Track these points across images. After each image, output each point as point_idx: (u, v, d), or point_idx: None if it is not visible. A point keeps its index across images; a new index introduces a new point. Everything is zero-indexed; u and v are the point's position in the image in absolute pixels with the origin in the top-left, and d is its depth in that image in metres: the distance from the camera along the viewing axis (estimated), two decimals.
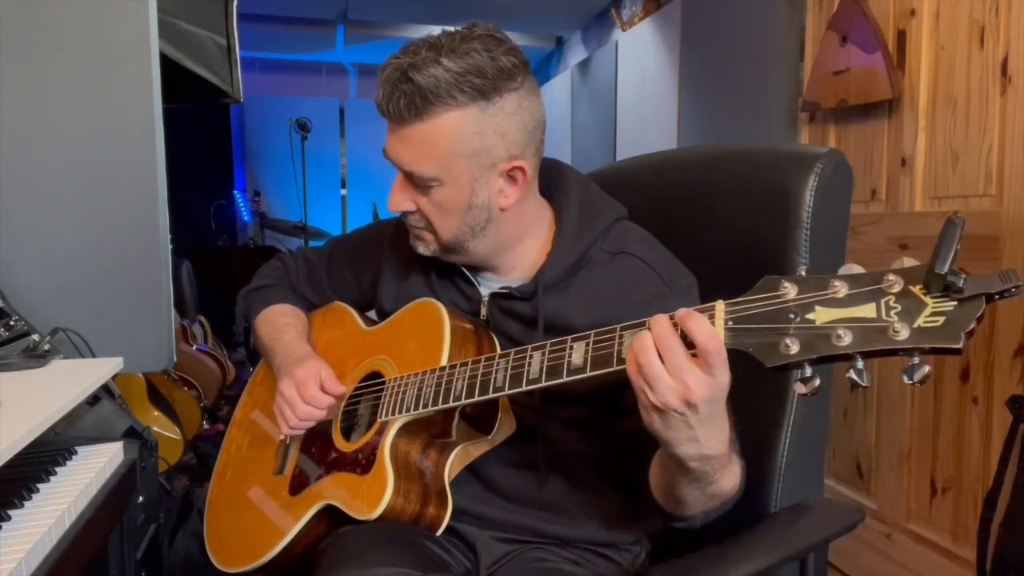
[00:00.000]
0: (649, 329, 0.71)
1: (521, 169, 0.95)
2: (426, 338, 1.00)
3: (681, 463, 0.75)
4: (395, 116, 0.92)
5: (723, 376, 0.68)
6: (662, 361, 0.69)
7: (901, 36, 1.92)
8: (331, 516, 1.00)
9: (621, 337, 0.77)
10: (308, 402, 1.04)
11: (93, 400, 1.12)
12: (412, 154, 0.93)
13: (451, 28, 0.93)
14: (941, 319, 0.59)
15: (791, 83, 2.50)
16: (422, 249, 1.02)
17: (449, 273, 1.07)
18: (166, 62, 1.59)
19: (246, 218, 5.50)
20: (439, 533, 0.97)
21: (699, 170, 1.16)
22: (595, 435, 0.99)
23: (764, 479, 0.98)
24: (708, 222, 1.10)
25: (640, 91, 3.85)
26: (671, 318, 0.71)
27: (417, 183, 0.95)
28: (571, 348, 0.81)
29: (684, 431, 0.71)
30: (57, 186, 1.33)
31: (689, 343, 0.69)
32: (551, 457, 1.00)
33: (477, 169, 0.93)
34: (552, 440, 1.00)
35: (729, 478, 0.80)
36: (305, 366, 1.07)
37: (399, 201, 0.98)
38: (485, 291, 1.04)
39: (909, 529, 1.91)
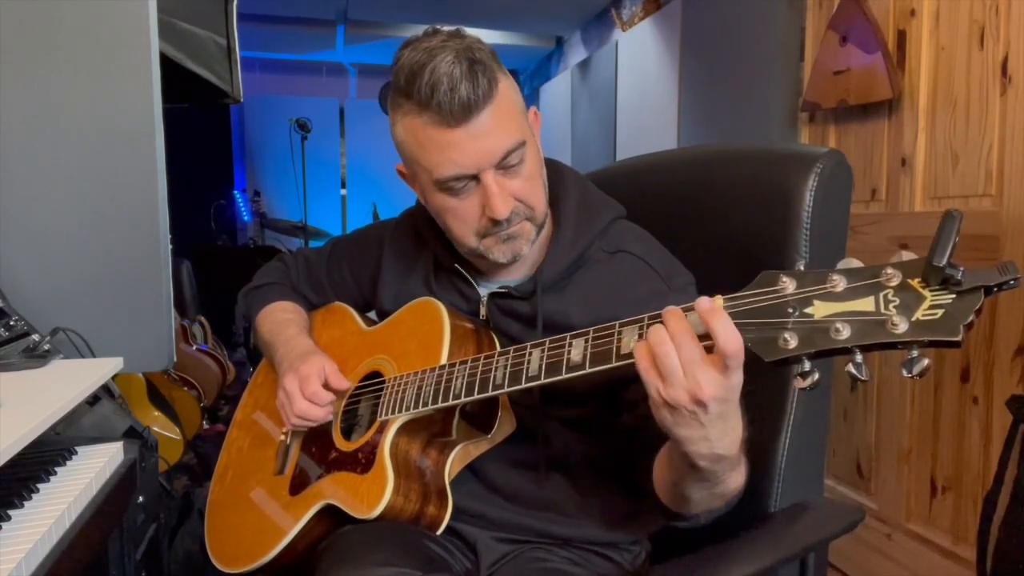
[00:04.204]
0: (662, 322, 0.70)
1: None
2: (426, 337, 1.00)
3: (691, 462, 0.74)
4: (475, 105, 0.87)
5: (736, 377, 0.68)
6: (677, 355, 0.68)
7: (901, 36, 1.92)
8: (331, 516, 1.00)
9: (620, 333, 0.77)
10: (309, 399, 1.04)
11: (93, 400, 1.12)
12: (501, 131, 0.90)
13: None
14: (940, 312, 0.59)
15: (791, 83, 2.50)
16: (524, 248, 0.97)
17: (448, 273, 1.07)
18: (166, 62, 1.59)
19: (246, 218, 5.50)
20: (439, 533, 0.97)
21: (699, 170, 1.16)
22: (595, 435, 0.99)
23: (764, 479, 0.98)
24: (708, 222, 1.10)
25: (640, 91, 3.85)
26: (687, 310, 0.70)
27: (510, 164, 0.92)
28: (570, 345, 0.81)
29: (696, 429, 0.70)
30: (57, 186, 1.33)
31: (702, 337, 0.68)
32: (551, 457, 1.00)
33: (526, 116, 0.96)
34: (552, 440, 1.00)
35: (737, 478, 0.80)
36: (309, 362, 1.06)
37: (507, 202, 0.92)
38: (484, 291, 1.04)
39: (909, 529, 1.91)
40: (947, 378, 1.80)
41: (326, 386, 1.04)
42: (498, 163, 0.91)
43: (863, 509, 1.03)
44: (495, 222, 0.93)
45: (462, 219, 0.95)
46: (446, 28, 0.92)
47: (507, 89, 0.92)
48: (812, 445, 1.02)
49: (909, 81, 1.89)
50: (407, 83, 0.88)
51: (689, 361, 0.67)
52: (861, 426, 2.07)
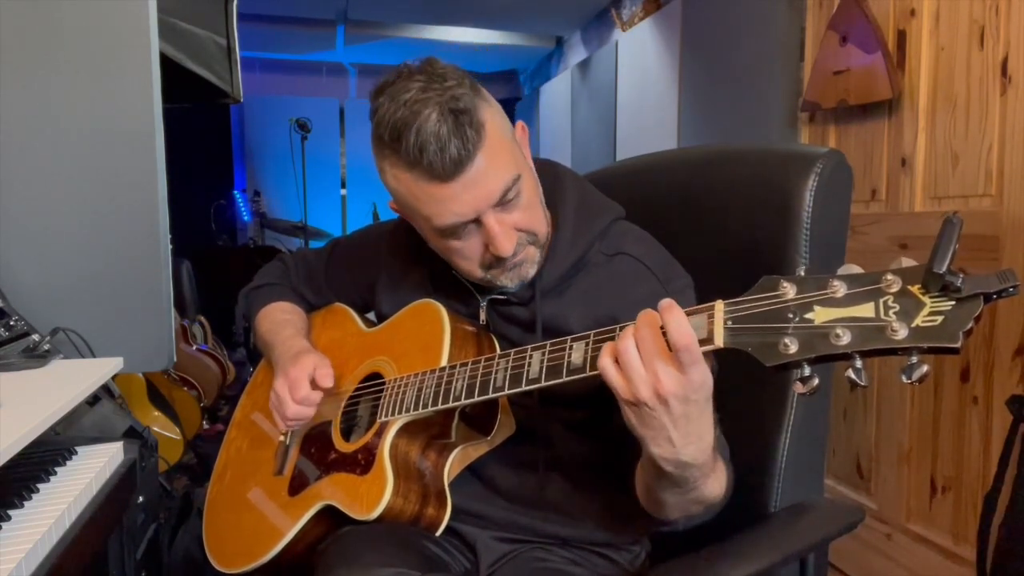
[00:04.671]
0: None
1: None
2: (426, 339, 1.00)
3: (658, 466, 0.74)
4: (467, 158, 0.84)
5: (695, 375, 0.68)
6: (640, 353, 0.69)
7: (901, 36, 1.92)
8: (330, 516, 1.00)
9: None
10: (300, 403, 1.04)
11: (93, 400, 1.12)
12: (497, 171, 0.88)
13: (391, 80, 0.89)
14: (939, 319, 0.59)
15: (791, 83, 2.50)
16: (531, 271, 0.96)
17: (447, 278, 1.07)
18: (166, 62, 1.59)
19: (246, 218, 5.50)
20: (438, 533, 0.97)
21: (699, 170, 1.16)
22: (595, 436, 0.99)
23: (764, 479, 0.98)
24: (708, 222, 1.10)
25: (640, 91, 3.85)
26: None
27: (507, 200, 0.90)
28: (571, 348, 0.81)
29: (659, 429, 0.71)
30: (57, 186, 1.33)
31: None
32: (551, 458, 1.00)
33: (515, 143, 0.94)
34: (552, 441, 1.00)
35: (713, 485, 0.79)
36: (299, 364, 1.06)
37: (511, 238, 0.91)
38: (482, 297, 1.04)
39: (909, 529, 1.91)
40: (947, 378, 1.80)
41: (314, 385, 1.05)
42: (497, 203, 0.89)
43: (863, 509, 1.03)
44: (500, 257, 0.92)
45: (467, 257, 0.94)
46: (417, 65, 0.89)
47: (493, 125, 0.88)
48: (812, 445, 1.02)
49: (909, 81, 1.89)
50: (391, 139, 0.85)
51: (647, 355, 0.68)
52: (861, 426, 2.07)
